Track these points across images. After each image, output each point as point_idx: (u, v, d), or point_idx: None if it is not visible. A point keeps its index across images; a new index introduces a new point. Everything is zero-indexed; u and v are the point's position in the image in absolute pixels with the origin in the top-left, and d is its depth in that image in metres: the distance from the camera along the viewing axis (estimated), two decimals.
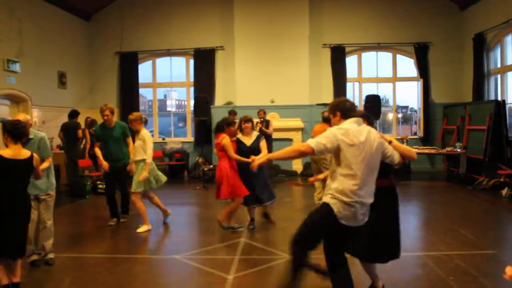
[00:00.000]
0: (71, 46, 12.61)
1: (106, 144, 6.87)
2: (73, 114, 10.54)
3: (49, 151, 4.95)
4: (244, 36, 12.75)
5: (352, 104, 3.66)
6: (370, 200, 3.43)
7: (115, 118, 7.03)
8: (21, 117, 4.81)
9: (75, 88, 12.69)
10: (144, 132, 6.56)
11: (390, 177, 3.95)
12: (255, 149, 6.34)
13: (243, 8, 12.73)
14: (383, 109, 13.17)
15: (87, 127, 10.90)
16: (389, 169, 3.85)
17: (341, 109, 3.58)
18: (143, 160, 6.45)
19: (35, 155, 4.22)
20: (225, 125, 6.33)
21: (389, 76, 13.59)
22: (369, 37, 13.08)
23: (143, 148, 6.46)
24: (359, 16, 13.11)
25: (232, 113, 11.31)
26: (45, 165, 4.82)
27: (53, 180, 5.07)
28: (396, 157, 3.65)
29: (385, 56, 13.59)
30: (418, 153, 11.76)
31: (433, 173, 12.54)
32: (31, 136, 4.83)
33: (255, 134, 6.55)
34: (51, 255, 5.07)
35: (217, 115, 11.97)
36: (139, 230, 6.56)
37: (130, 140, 7.03)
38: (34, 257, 5.00)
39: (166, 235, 6.87)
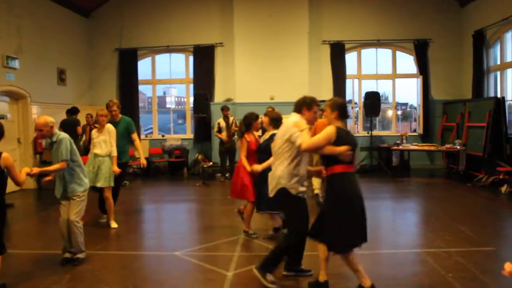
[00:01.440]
0: (71, 43, 12.58)
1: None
2: (73, 111, 10.55)
3: (63, 153, 4.77)
4: (244, 33, 12.72)
5: (297, 102, 4.40)
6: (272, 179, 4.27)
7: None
8: (42, 119, 4.80)
9: (75, 85, 12.68)
10: (110, 126, 6.65)
11: (334, 166, 3.95)
12: (265, 148, 5.69)
13: (242, 5, 12.69)
14: (382, 106, 13.18)
15: (92, 123, 10.89)
16: (332, 158, 3.94)
17: None
18: (109, 155, 6.56)
19: (4, 154, 4.04)
20: (253, 122, 6.03)
21: (389, 73, 13.58)
22: (368, 33, 13.07)
23: (110, 143, 6.55)
24: (358, 13, 13.09)
25: (225, 109, 11.31)
26: (54, 167, 4.80)
27: (81, 183, 4.98)
28: (297, 143, 3.96)
29: (385, 53, 13.57)
30: (417, 150, 11.84)
31: (433, 170, 12.56)
32: (54, 139, 4.83)
33: (271, 132, 5.85)
34: (79, 255, 5.03)
35: (217, 112, 11.96)
36: (113, 226, 6.63)
37: (136, 135, 7.11)
38: (66, 255, 5.02)
39: (165, 232, 6.88)
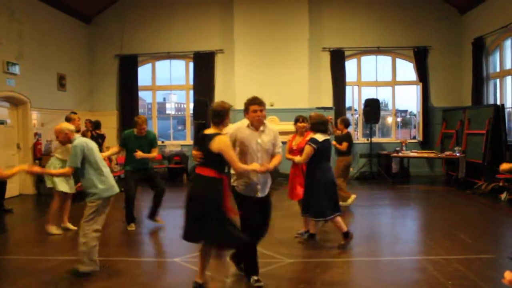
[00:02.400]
0: (71, 49, 12.62)
1: (135, 151, 6.97)
2: None
3: (70, 160, 4.79)
4: (244, 40, 12.77)
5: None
6: None
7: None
8: (58, 126, 4.95)
9: (75, 91, 12.69)
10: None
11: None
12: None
13: (243, 12, 12.75)
14: (382, 113, 13.20)
15: (93, 128, 10.86)
16: None
17: None
18: None
19: None
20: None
21: (389, 80, 13.61)
22: (368, 41, 13.11)
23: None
24: (358, 20, 13.14)
25: None
26: (57, 171, 4.83)
27: (93, 189, 4.81)
28: None
29: (385, 60, 13.61)
30: (417, 157, 11.84)
31: (432, 177, 12.55)
32: (72, 145, 4.83)
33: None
34: (79, 265, 4.79)
35: None
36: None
37: (156, 151, 7.34)
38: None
39: (165, 238, 6.86)
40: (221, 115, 4.10)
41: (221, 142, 3.96)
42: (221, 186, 3.99)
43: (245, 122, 4.43)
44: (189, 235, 4.05)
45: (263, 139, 4.38)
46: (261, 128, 4.41)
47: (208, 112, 12.32)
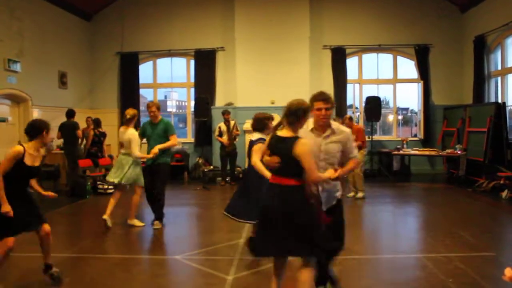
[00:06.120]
0: (72, 46, 12.62)
1: (149, 140, 6.88)
2: (72, 114, 10.50)
3: None
4: (245, 37, 12.75)
5: None
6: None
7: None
8: None
9: (76, 88, 12.70)
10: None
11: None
12: None
13: (244, 9, 12.73)
14: (383, 110, 13.19)
15: (94, 126, 10.82)
16: None
17: None
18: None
19: None
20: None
21: (390, 78, 13.59)
22: (369, 38, 13.09)
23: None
24: (359, 18, 13.12)
25: (226, 113, 11.32)
26: None
27: None
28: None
29: (386, 58, 13.60)
30: (418, 155, 11.83)
31: (433, 175, 12.55)
32: None
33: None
34: None
35: (218, 116, 11.96)
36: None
37: (173, 137, 6.89)
38: None
39: (166, 235, 6.87)
40: (298, 115, 3.50)
41: (304, 146, 3.41)
42: (304, 193, 3.48)
43: (309, 125, 3.76)
44: (267, 250, 3.61)
45: (328, 145, 3.69)
46: (327, 132, 3.70)
47: (209, 109, 12.36)
